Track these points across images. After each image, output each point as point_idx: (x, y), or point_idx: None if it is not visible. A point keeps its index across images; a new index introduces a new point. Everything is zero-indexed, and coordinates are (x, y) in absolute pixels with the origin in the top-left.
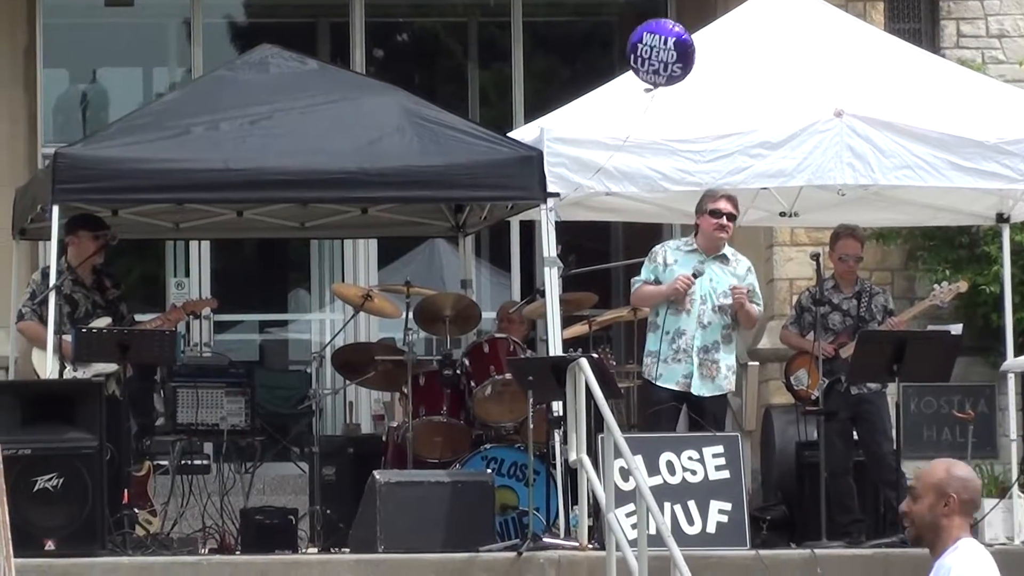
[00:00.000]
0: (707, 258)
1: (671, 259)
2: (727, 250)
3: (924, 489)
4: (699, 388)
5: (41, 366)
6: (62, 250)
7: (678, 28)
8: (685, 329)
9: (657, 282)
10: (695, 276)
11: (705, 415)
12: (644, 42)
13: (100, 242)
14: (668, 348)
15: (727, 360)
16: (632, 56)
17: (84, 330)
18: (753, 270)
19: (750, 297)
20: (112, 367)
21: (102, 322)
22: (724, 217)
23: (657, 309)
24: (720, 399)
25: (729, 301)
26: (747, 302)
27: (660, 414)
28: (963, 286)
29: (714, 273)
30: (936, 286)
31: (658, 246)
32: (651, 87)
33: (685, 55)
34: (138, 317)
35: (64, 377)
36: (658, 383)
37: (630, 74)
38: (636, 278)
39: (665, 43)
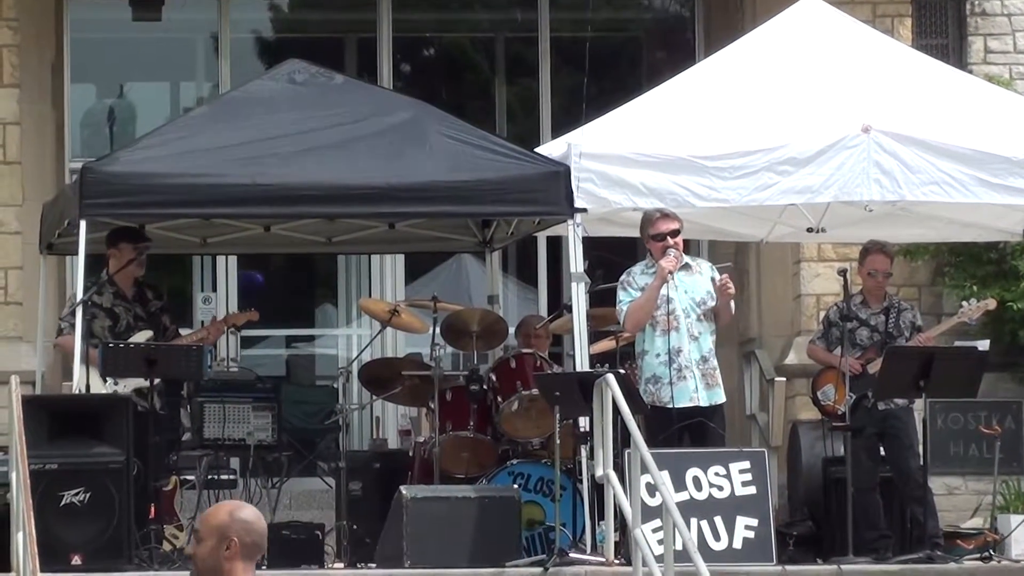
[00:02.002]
0: (674, 275)
1: (642, 284)
2: (686, 258)
3: (207, 532)
4: (706, 398)
5: (90, 382)
6: (90, 264)
7: None
8: (680, 347)
9: None
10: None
11: (712, 424)
12: None
13: (141, 255)
14: (668, 370)
15: (716, 364)
16: None
17: (111, 345)
18: (714, 268)
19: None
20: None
21: (143, 335)
22: (667, 237)
23: (642, 337)
24: (721, 406)
25: (712, 304)
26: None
27: (669, 440)
28: (992, 304)
29: (686, 285)
30: (964, 303)
31: (625, 276)
32: None
33: None
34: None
35: (106, 391)
36: (669, 406)
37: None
38: (620, 306)
39: None
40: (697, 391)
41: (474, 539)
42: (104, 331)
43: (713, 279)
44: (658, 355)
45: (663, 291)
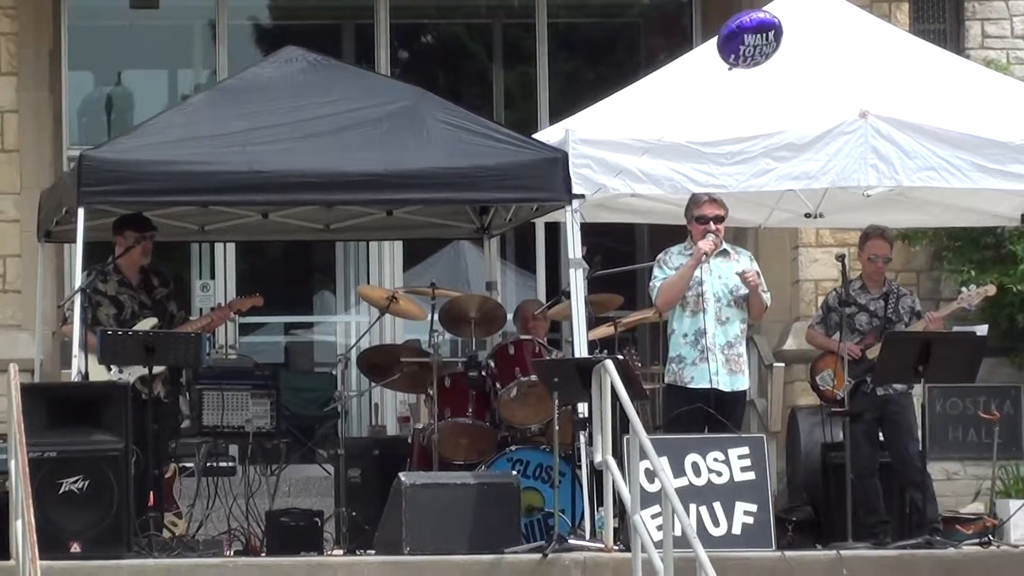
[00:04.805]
0: (710, 258)
1: (676, 264)
2: (726, 246)
3: None
4: (727, 383)
5: (93, 370)
6: (88, 252)
7: (768, 16)
8: (705, 329)
9: None
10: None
11: (729, 410)
12: (747, 43)
13: (147, 242)
14: (692, 350)
15: (743, 351)
16: (733, 56)
17: (110, 332)
18: (754, 259)
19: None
20: (158, 368)
21: (148, 323)
22: (711, 222)
23: (672, 316)
24: (743, 394)
25: (745, 292)
26: (761, 284)
27: (687, 418)
28: (992, 290)
29: (721, 270)
30: (964, 289)
31: (663, 255)
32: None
33: (779, 38)
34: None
35: (110, 379)
36: (690, 386)
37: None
38: (653, 283)
39: (767, 38)
40: (718, 374)
41: (473, 526)
42: (109, 319)
43: (744, 272)
44: (685, 335)
45: (696, 273)
